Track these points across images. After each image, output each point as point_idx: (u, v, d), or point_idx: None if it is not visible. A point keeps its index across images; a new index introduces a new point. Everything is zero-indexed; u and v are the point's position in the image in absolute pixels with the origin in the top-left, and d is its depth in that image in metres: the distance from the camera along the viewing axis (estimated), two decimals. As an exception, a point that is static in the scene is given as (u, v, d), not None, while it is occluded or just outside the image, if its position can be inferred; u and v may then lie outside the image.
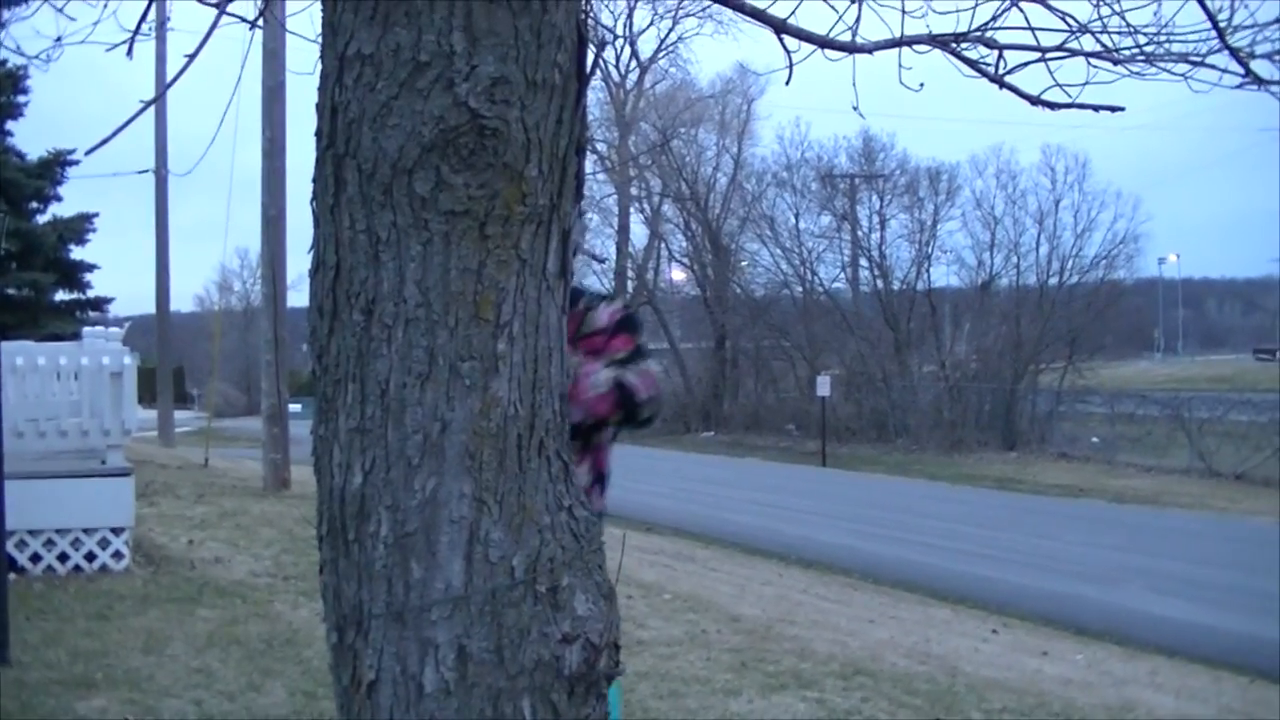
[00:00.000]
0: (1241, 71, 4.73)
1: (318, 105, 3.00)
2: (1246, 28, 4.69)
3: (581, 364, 4.09)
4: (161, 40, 27.77)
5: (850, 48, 4.64)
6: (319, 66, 3.03)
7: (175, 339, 45.71)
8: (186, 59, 4.31)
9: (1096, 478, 34.16)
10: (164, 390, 37.83)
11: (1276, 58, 4.91)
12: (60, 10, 5.09)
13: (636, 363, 4.26)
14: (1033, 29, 4.79)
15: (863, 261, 52.72)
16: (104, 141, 4.29)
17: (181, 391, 71.11)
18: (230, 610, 10.34)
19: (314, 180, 3.02)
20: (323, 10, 3.02)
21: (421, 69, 2.83)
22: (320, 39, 3.03)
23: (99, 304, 33.77)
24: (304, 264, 3.07)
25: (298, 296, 24.26)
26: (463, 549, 2.93)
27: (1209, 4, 4.51)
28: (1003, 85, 4.78)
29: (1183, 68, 4.89)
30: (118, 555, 11.95)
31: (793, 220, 53.98)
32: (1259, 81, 4.83)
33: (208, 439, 28.07)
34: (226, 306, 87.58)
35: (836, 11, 4.73)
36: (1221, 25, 4.51)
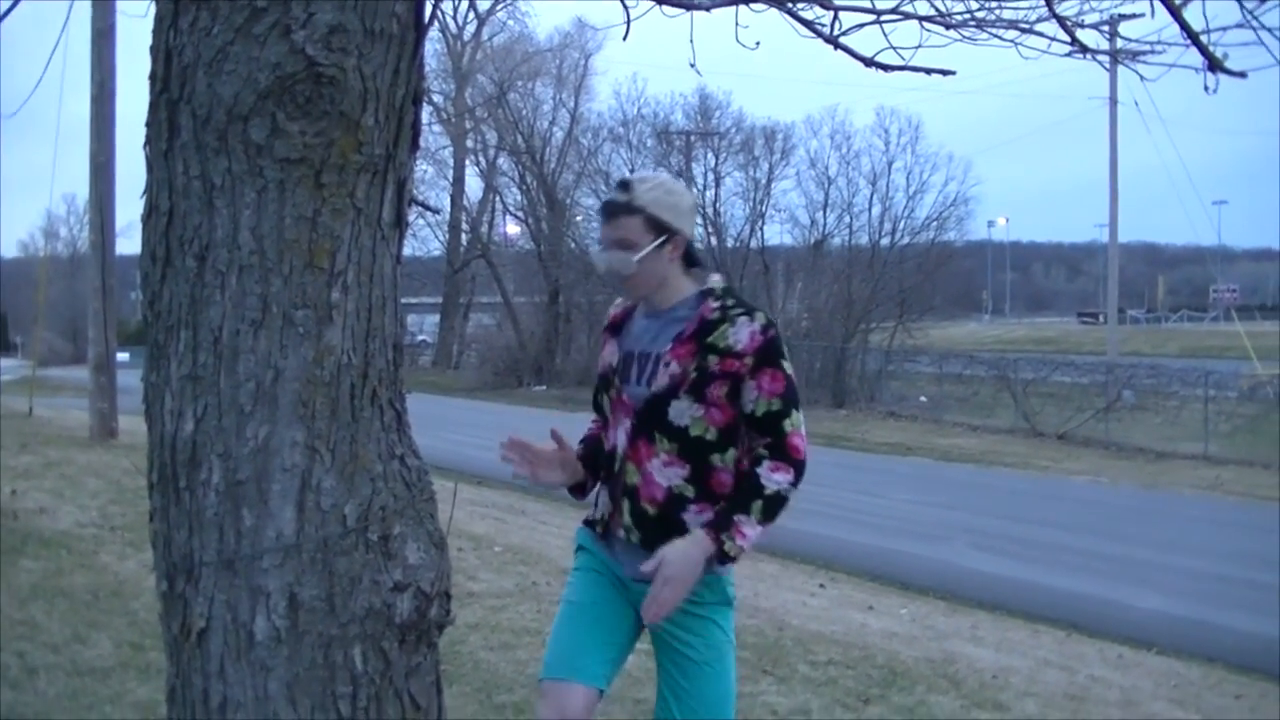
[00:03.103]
0: (1068, 40, 4.83)
1: (152, 49, 2.96)
2: (1075, -3, 4.80)
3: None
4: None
5: (687, 5, 4.66)
6: (153, 9, 2.99)
7: (-2, 285, 44.67)
8: (14, -2, 4.23)
9: (924, 436, 34.72)
10: (-14, 337, 36.98)
11: (1103, 28, 5.02)
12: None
13: (785, 427, 4.05)
14: (868, -9, 4.85)
15: (697, 219, 52.88)
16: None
17: (4, 339, 69.64)
18: (55, 561, 10.17)
19: (147, 125, 2.98)
20: (157, -48, 2.98)
21: (258, 15, 2.81)
22: (154, -19, 2.99)
23: (-81, 248, 32.87)
24: (133, 211, 3.03)
25: (126, 244, 23.83)
26: (295, 497, 2.93)
27: (1038, -28, 4.59)
28: (837, 46, 4.84)
29: (1012, 34, 4.98)
30: (-63, 505, 11.71)
31: (628, 176, 54.00)
32: (1085, 50, 4.94)
33: (32, 388, 27.51)
34: (53, 253, 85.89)
35: (675, -32, 4.75)
36: (1050, -7, 4.60)
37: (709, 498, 4.06)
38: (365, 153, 2.93)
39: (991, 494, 22.77)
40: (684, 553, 3.90)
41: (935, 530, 17.86)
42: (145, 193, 3.01)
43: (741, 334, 4.02)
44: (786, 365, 4.06)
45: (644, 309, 4.23)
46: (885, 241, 49.29)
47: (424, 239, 64.92)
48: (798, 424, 4.04)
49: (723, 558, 3.94)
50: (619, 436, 4.15)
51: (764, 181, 51.10)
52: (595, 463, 4.36)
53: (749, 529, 3.93)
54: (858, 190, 50.03)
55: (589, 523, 4.34)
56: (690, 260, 4.23)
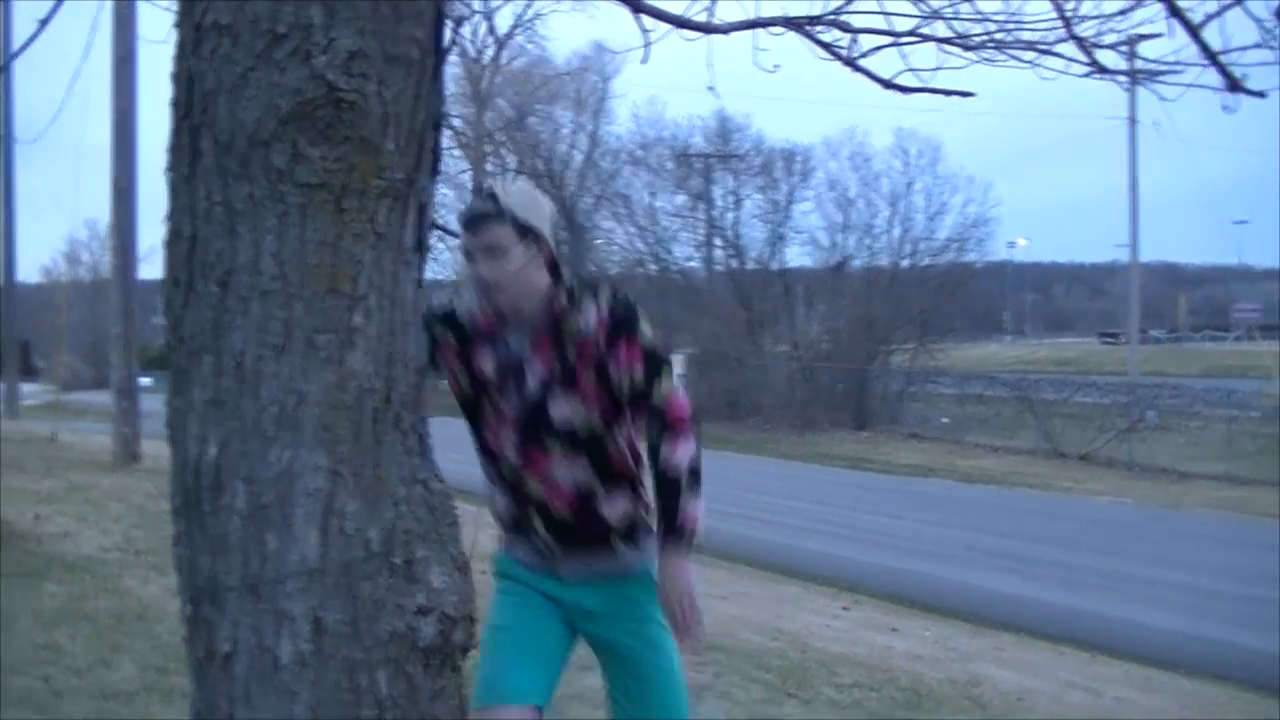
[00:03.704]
0: (1087, 60, 4.84)
1: (174, 75, 2.98)
2: (1092, 18, 4.81)
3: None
4: (7, 4, 27.20)
5: (706, 28, 4.68)
6: (174, 35, 3.00)
7: (21, 311, 44.79)
8: (39, 24, 4.26)
9: (946, 457, 34.61)
10: (9, 363, 37.05)
11: (1121, 48, 5.03)
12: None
13: (660, 391, 3.98)
14: (886, 14, 4.87)
15: (717, 241, 52.96)
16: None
17: (27, 364, 69.73)
18: (78, 585, 10.18)
19: (169, 151, 3.00)
20: (179, -21, 2.99)
21: (279, 40, 2.82)
22: (176, 8, 3.01)
23: (-58, 275, 32.98)
24: (155, 236, 3.05)
25: (148, 269, 23.90)
26: (318, 521, 2.93)
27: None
28: (856, 69, 4.86)
29: (1031, 55, 5.00)
30: (-39, 530, 11.73)
31: (648, 199, 54.16)
32: (1103, 70, 4.95)
33: (55, 411, 27.56)
34: (75, 278, 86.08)
35: (694, -9, 4.77)
36: (1068, 15, 4.60)
37: (613, 481, 4.07)
38: (386, 177, 2.94)
39: (1014, 515, 22.69)
40: (666, 577, 3.96)
41: (958, 552, 17.81)
42: (168, 218, 3.02)
43: (588, 315, 3.97)
44: (642, 329, 3.98)
45: (511, 324, 4.10)
46: (905, 263, 49.26)
47: (444, 263, 65.00)
48: (670, 384, 4.00)
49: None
50: (506, 451, 4.08)
51: (784, 203, 51.13)
52: None
53: (693, 511, 3.95)
54: (877, 212, 50.04)
55: (505, 545, 4.29)
56: (555, 270, 4.12)
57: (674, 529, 3.94)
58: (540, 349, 3.99)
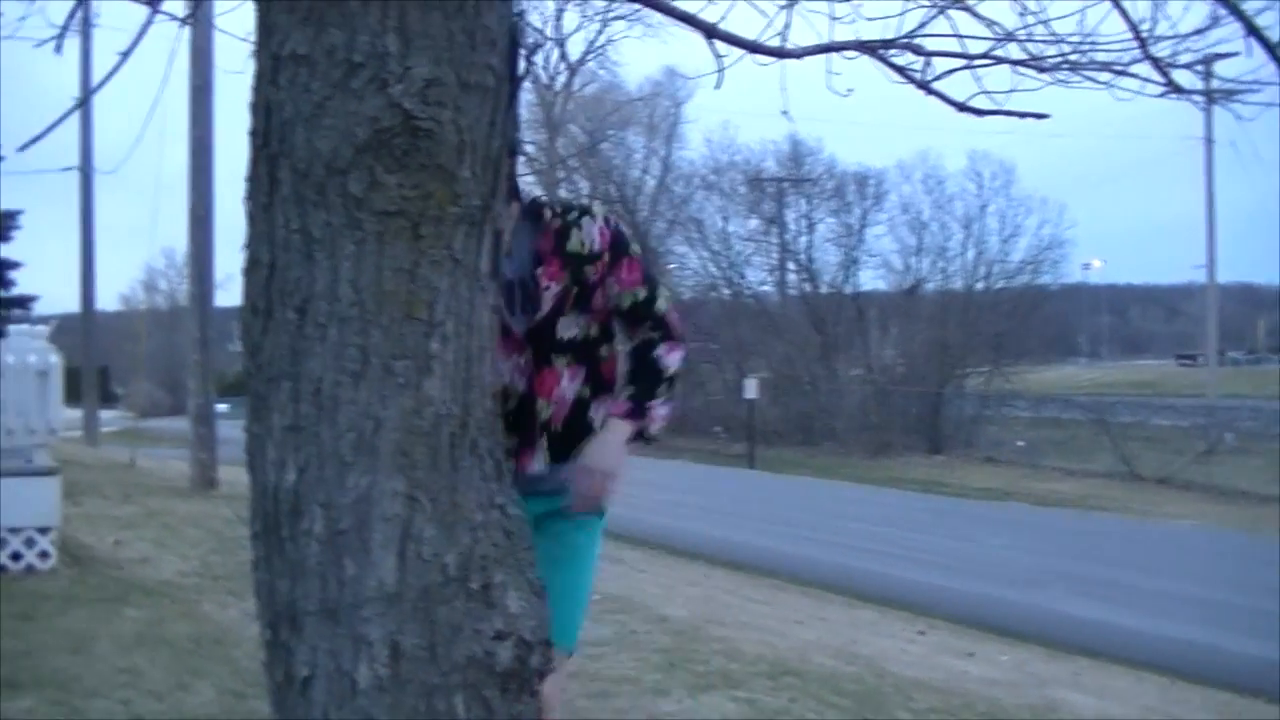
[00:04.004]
0: (1163, 81, 4.81)
1: (252, 104, 3.01)
2: (1168, 38, 4.77)
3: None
4: (88, 37, 27.54)
5: (780, 53, 4.68)
6: (252, 65, 3.03)
7: (100, 338, 45.22)
8: (120, 56, 4.32)
9: (1021, 481, 34.36)
10: (89, 390, 37.42)
11: (1197, 68, 4.99)
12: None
13: (661, 308, 4.17)
14: (959, 36, 4.85)
15: (790, 265, 52.93)
16: (37, 138, 4.29)
17: (107, 391, 70.38)
18: (157, 610, 10.27)
19: (248, 179, 3.02)
20: (256, 10, 3.02)
21: (355, 69, 2.84)
22: (253, 38, 3.04)
23: (23, 302, 33.20)
24: (231, 263, 3.07)
25: (224, 296, 24.12)
26: (396, 546, 2.94)
27: (1132, 14, 4.58)
28: (929, 91, 4.84)
29: (1106, 76, 4.96)
30: (44, 555, 11.85)
31: (721, 223, 54.21)
32: (1179, 90, 4.91)
33: (133, 437, 27.80)
34: (152, 306, 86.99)
35: (766, 16, 4.78)
36: (1144, 35, 4.58)
37: (603, 389, 4.17)
38: (462, 204, 2.96)
39: (1091, 539, 22.50)
40: (605, 444, 4.05)
41: (1034, 576, 17.68)
42: (246, 246, 3.05)
43: (592, 234, 4.07)
44: (635, 249, 4.15)
45: None
46: (979, 286, 49.05)
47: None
48: (668, 300, 4.19)
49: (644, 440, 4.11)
50: (513, 379, 4.09)
51: (857, 227, 51.06)
52: None
53: (661, 410, 4.10)
54: (951, 235, 49.88)
55: None
56: (515, 194, 4.12)
57: (637, 407, 4.08)
58: (551, 268, 4.06)
